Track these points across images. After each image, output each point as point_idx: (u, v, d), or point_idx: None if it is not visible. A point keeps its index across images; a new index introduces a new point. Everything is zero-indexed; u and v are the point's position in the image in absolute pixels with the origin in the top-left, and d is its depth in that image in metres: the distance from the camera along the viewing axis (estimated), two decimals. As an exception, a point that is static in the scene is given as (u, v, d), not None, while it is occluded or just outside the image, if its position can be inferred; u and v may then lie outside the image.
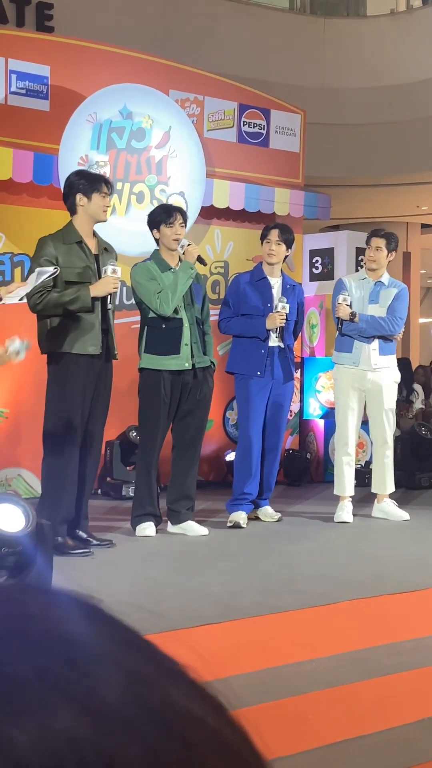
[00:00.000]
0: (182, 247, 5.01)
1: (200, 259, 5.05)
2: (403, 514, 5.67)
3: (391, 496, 5.88)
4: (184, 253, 5.02)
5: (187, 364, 4.98)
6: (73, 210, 4.62)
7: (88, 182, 4.60)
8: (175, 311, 4.99)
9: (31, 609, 0.35)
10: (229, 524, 5.31)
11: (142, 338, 5.06)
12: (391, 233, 5.85)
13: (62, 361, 4.49)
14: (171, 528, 5.08)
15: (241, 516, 5.36)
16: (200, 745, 0.32)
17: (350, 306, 5.63)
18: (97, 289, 4.49)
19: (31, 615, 0.35)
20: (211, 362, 5.14)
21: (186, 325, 5.01)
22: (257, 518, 5.56)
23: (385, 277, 5.78)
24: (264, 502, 5.62)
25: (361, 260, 6.02)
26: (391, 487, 5.79)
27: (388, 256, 5.71)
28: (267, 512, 5.59)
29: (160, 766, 0.30)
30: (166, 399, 4.98)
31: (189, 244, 5.02)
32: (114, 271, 4.53)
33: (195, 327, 5.05)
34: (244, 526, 5.31)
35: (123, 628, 0.37)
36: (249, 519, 5.45)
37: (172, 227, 5.02)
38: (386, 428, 5.76)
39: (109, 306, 4.59)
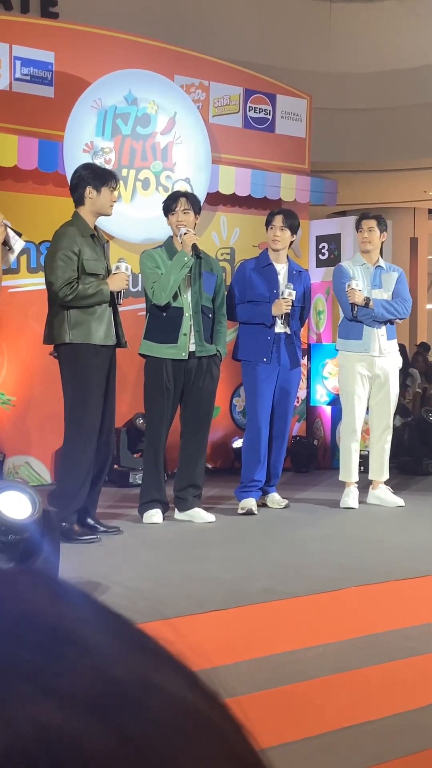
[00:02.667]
0: (181, 236, 4.98)
1: (195, 248, 4.98)
2: (398, 501, 5.66)
3: (395, 482, 5.88)
4: (182, 242, 5.00)
5: (184, 354, 4.97)
6: (80, 202, 4.63)
7: (98, 176, 4.62)
8: (176, 299, 4.97)
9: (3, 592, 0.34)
10: (240, 511, 5.31)
11: (146, 324, 5.09)
12: (380, 215, 5.87)
13: (79, 352, 4.50)
14: (178, 515, 5.09)
15: (252, 503, 5.37)
16: (178, 723, 0.31)
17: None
18: (113, 284, 4.56)
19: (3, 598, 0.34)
20: (218, 351, 5.12)
21: (187, 314, 5.00)
22: (265, 505, 5.57)
23: (382, 261, 5.81)
24: (271, 488, 5.63)
25: None
26: (387, 474, 5.80)
27: (380, 236, 5.73)
28: (274, 499, 5.60)
29: (133, 747, 0.30)
30: (170, 385, 4.98)
31: (186, 233, 4.98)
32: (127, 268, 4.63)
33: (199, 316, 5.03)
34: (257, 512, 5.32)
35: (101, 610, 0.36)
36: (257, 505, 5.45)
37: (174, 214, 5.02)
38: (391, 414, 5.77)
39: (119, 301, 4.64)
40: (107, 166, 6.56)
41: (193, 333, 5.00)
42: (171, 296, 4.94)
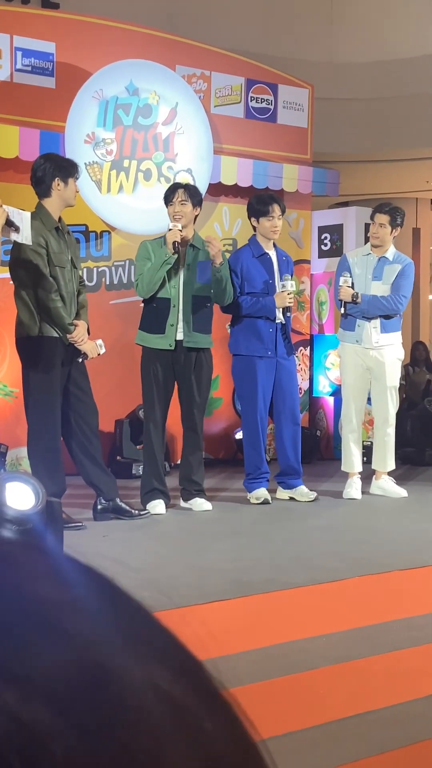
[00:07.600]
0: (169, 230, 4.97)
1: (174, 245, 4.92)
2: (401, 492, 5.65)
3: (398, 473, 5.88)
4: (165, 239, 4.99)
5: (170, 344, 4.98)
6: (46, 194, 4.62)
7: (64, 168, 4.62)
8: (162, 289, 4.97)
9: None
10: (255, 501, 5.27)
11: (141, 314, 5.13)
12: (397, 208, 5.72)
13: (42, 343, 4.54)
14: (183, 504, 5.13)
15: (265, 492, 5.34)
16: (149, 720, 0.30)
17: (352, 286, 5.60)
18: (80, 342, 4.55)
19: None
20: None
21: (174, 305, 5.00)
22: (293, 499, 5.49)
23: (390, 252, 5.70)
24: (298, 481, 5.52)
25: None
26: (391, 465, 5.77)
27: (392, 232, 5.64)
28: (302, 492, 5.47)
29: (93, 742, 0.28)
30: (159, 376, 5.00)
31: (170, 229, 4.95)
32: (101, 346, 4.63)
33: (189, 306, 5.02)
34: (271, 501, 5.30)
35: (105, 593, 0.35)
36: (283, 499, 5.44)
37: (172, 205, 5.01)
38: (389, 406, 5.72)
39: (78, 359, 4.63)
40: (109, 157, 6.56)
41: (181, 323, 4.99)
42: (152, 292, 4.97)
